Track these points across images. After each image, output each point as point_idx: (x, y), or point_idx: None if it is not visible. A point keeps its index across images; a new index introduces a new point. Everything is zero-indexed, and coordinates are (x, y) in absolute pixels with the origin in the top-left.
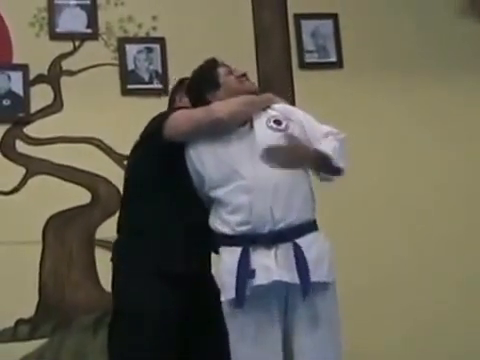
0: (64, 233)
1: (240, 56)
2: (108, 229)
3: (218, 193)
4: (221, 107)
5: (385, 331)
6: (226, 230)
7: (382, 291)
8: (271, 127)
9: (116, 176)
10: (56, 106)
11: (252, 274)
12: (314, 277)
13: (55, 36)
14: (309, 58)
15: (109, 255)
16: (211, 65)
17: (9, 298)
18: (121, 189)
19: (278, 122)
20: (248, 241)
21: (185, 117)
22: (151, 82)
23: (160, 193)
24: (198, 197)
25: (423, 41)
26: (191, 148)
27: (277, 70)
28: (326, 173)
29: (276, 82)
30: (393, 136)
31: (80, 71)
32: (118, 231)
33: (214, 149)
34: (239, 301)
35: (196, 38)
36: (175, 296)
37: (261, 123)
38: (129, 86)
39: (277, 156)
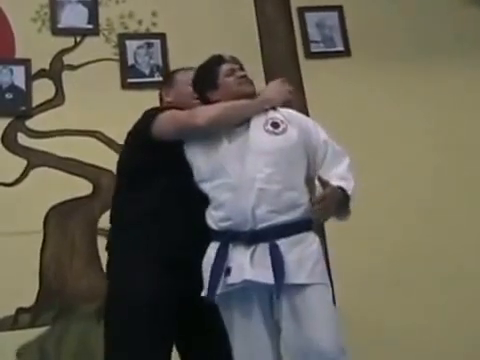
0: (66, 223)
1: (242, 50)
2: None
3: (205, 187)
4: (202, 113)
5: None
6: (211, 224)
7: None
8: (267, 130)
9: None
10: (58, 100)
11: (228, 272)
12: (293, 279)
13: (57, 31)
14: (315, 48)
15: None
16: (214, 63)
17: (10, 287)
18: None
19: (275, 125)
20: (228, 237)
21: (171, 119)
22: (152, 76)
23: (150, 184)
24: (192, 186)
25: (430, 27)
26: (188, 140)
27: (283, 62)
28: (337, 215)
29: (283, 73)
30: (401, 124)
31: (81, 66)
32: (111, 221)
33: (206, 144)
34: (210, 295)
35: (196, 33)
36: (170, 281)
37: (258, 125)
38: (129, 80)
39: (324, 206)
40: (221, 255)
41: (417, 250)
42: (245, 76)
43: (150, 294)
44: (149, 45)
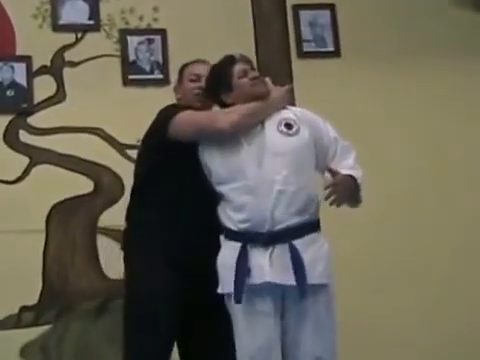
0: (67, 221)
1: (240, 46)
2: (110, 217)
3: (222, 188)
4: (225, 117)
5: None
6: (229, 225)
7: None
8: (282, 131)
9: (118, 165)
10: (59, 97)
11: (248, 272)
12: (309, 279)
13: (58, 28)
14: (307, 47)
15: (111, 243)
16: (227, 64)
17: (13, 286)
18: (123, 178)
19: (289, 126)
20: (247, 239)
21: (189, 121)
22: (152, 72)
23: (166, 184)
24: (205, 188)
25: (420, 30)
26: (203, 141)
27: (276, 59)
28: (349, 202)
29: (275, 71)
30: (391, 124)
31: (82, 62)
32: (126, 219)
33: (224, 146)
34: (237, 298)
35: (196, 29)
36: (179, 280)
37: (272, 126)
38: (130, 77)
39: (335, 191)
40: (243, 256)
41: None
42: (258, 77)
43: (160, 292)
44: (150, 41)
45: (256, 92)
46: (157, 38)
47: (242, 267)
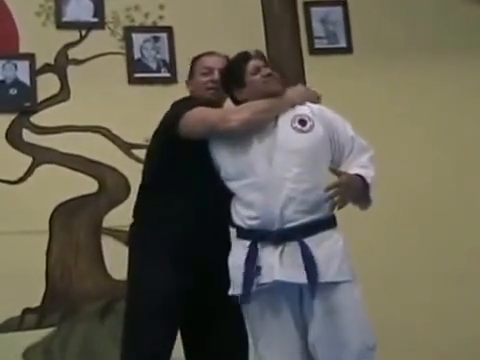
0: (71, 222)
1: (249, 43)
2: (115, 218)
3: (232, 185)
4: (236, 115)
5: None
6: (239, 222)
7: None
8: (295, 128)
9: (123, 165)
10: (63, 95)
11: (258, 271)
12: (323, 277)
13: (61, 25)
14: (319, 44)
15: (116, 243)
16: (240, 60)
17: (16, 287)
18: (129, 178)
19: (303, 122)
20: (257, 236)
21: (200, 118)
22: (158, 71)
23: (174, 181)
24: (215, 186)
25: (434, 25)
26: (214, 137)
27: (287, 56)
28: (356, 202)
29: (286, 68)
30: (406, 122)
31: (87, 60)
32: (133, 216)
33: (234, 143)
34: (245, 297)
35: (204, 26)
36: (184, 279)
37: (286, 122)
38: (136, 75)
39: (339, 192)
40: (252, 254)
41: (414, 249)
42: (271, 74)
43: (163, 291)
44: (156, 39)
45: (268, 89)
46: (163, 36)
47: (250, 266)
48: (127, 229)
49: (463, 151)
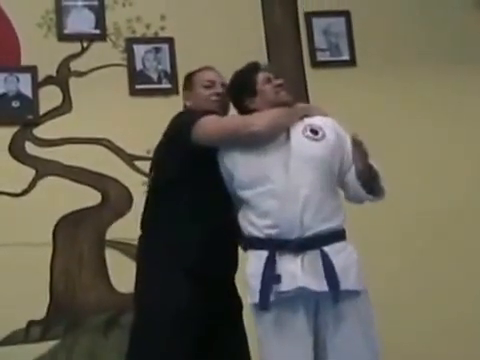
0: (74, 234)
1: (251, 55)
2: (118, 230)
3: (246, 194)
4: (259, 120)
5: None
6: (255, 233)
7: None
8: (307, 136)
9: (126, 176)
10: (65, 107)
11: (277, 279)
12: (342, 285)
13: (63, 37)
14: (321, 56)
15: (120, 255)
16: (251, 70)
17: (20, 300)
18: (131, 189)
19: (314, 131)
20: (275, 246)
21: (218, 126)
22: (160, 82)
23: (184, 193)
24: (224, 197)
25: (438, 38)
26: (224, 147)
27: (289, 69)
28: (370, 191)
29: (288, 81)
30: (408, 136)
31: (88, 72)
32: (141, 227)
33: (248, 153)
34: (263, 305)
35: (205, 38)
36: (195, 294)
37: (298, 131)
38: (137, 86)
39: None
40: (271, 263)
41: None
42: (282, 84)
43: (173, 306)
44: (157, 50)
45: (280, 99)
46: (164, 47)
47: (269, 274)
48: (131, 241)
49: (471, 162)
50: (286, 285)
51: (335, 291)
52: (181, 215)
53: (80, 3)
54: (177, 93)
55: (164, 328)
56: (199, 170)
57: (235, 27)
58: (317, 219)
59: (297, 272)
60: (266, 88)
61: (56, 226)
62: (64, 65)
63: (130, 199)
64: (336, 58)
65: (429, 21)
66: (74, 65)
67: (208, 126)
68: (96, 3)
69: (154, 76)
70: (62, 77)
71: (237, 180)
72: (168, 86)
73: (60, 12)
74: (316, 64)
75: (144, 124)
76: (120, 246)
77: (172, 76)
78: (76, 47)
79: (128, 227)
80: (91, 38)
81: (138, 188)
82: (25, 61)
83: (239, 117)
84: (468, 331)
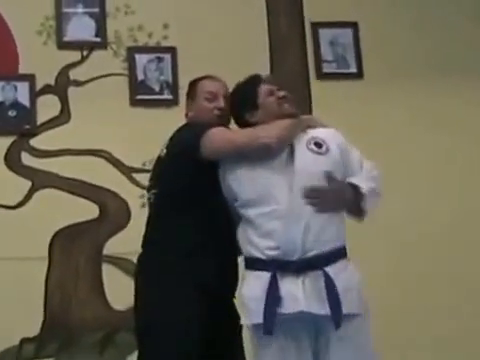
0: (71, 249)
1: (255, 66)
2: (116, 244)
3: (249, 212)
4: (267, 132)
5: None
6: (255, 253)
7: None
8: (311, 150)
9: (125, 190)
10: (63, 117)
11: (279, 302)
12: (343, 309)
13: (63, 45)
14: (327, 68)
15: (117, 271)
16: (253, 83)
17: (14, 316)
18: (130, 203)
19: (318, 145)
20: (276, 267)
21: (226, 139)
22: (161, 93)
23: (192, 209)
24: (228, 214)
25: (447, 50)
26: (227, 162)
27: (293, 81)
28: (349, 213)
29: (292, 93)
30: (419, 152)
31: (88, 81)
32: (143, 246)
33: (253, 167)
34: (267, 329)
35: (208, 47)
36: (200, 312)
37: (301, 145)
38: (138, 97)
39: (319, 197)
40: (274, 285)
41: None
42: (286, 96)
43: (183, 324)
44: (159, 59)
45: (285, 111)
46: (167, 56)
47: (272, 296)
48: (129, 256)
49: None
50: (287, 308)
51: (337, 316)
52: (187, 232)
53: (81, 10)
54: (179, 104)
55: (169, 346)
56: (207, 185)
57: (239, 36)
58: (320, 240)
59: (298, 295)
60: (269, 101)
61: (52, 240)
62: (63, 74)
63: (128, 213)
64: (343, 70)
65: (440, 33)
66: (73, 74)
67: (216, 138)
68: (97, 10)
69: (156, 87)
70: (61, 86)
71: (240, 197)
72: (170, 97)
73: (60, 19)
74: (322, 76)
75: (144, 136)
76: (117, 261)
77: (174, 87)
78: (76, 55)
79: (126, 242)
80: (91, 46)
81: (137, 201)
82: (23, 69)
83: (247, 130)
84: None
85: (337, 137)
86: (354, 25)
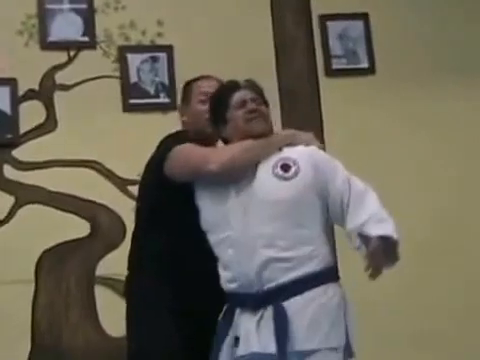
0: (60, 270)
1: (258, 65)
2: (110, 264)
3: (211, 239)
4: (218, 157)
5: None
6: (222, 284)
7: None
8: (276, 174)
9: (118, 204)
10: (49, 125)
11: (236, 342)
12: (304, 344)
13: (47, 46)
14: (337, 64)
15: (111, 294)
16: (226, 91)
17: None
18: (124, 218)
19: (286, 167)
20: (236, 301)
21: (184, 159)
22: (157, 96)
23: (164, 229)
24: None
25: (468, 42)
26: (198, 182)
27: (300, 79)
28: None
29: (299, 93)
30: (436, 154)
31: (76, 85)
32: (128, 267)
33: (214, 189)
34: None
35: (208, 45)
36: (183, 334)
37: (267, 168)
38: (132, 101)
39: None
40: (226, 322)
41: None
42: (256, 110)
43: (165, 349)
44: (154, 60)
45: (250, 130)
46: (162, 56)
47: (221, 335)
48: (123, 277)
49: None
50: (242, 349)
51: (282, 356)
52: (164, 251)
53: (66, 6)
54: (176, 108)
55: None
56: (180, 203)
57: (241, 32)
58: (279, 270)
59: (251, 334)
60: (237, 115)
61: (38, 261)
62: (48, 77)
63: (123, 229)
64: (353, 66)
65: (459, 24)
66: (59, 77)
67: (175, 159)
68: (84, 6)
69: (150, 89)
70: (45, 91)
71: (203, 221)
72: (166, 101)
73: (43, 17)
74: (331, 72)
75: (139, 144)
76: (112, 283)
77: (171, 89)
78: (62, 57)
79: (120, 261)
80: (79, 46)
81: (132, 216)
82: (4, 73)
83: (205, 150)
84: None
85: (315, 156)
86: (365, 16)
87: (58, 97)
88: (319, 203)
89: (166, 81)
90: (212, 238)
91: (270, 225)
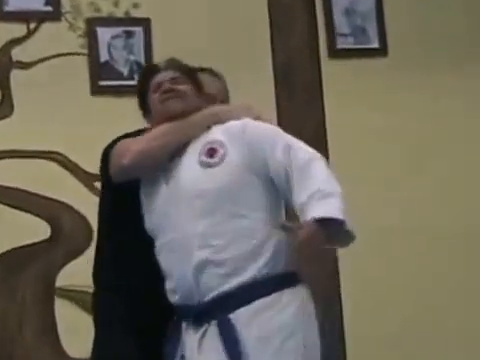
0: (14, 279)
1: (250, 43)
2: (73, 274)
3: (156, 245)
4: (129, 148)
5: None
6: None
7: None
8: (202, 162)
9: (84, 203)
10: (4, 109)
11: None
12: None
13: (2, 16)
14: (342, 43)
15: (73, 308)
16: (144, 76)
17: None
18: (90, 220)
19: (212, 152)
20: (181, 315)
21: (117, 156)
22: (131, 77)
23: (114, 236)
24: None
25: None
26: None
27: (299, 59)
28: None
29: (298, 76)
30: (449, 138)
31: (36, 62)
32: (94, 282)
33: (149, 187)
34: None
35: (190, 20)
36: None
37: (192, 155)
38: (101, 83)
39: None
40: (172, 340)
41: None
42: (171, 90)
43: None
44: (128, 34)
45: (165, 109)
46: (138, 31)
47: (171, 354)
48: (89, 289)
49: None
50: None
51: None
52: (110, 264)
53: None
54: None
55: None
56: (131, 208)
57: (230, 5)
58: (218, 276)
59: (194, 353)
60: (153, 99)
61: None
62: (3, 53)
63: (89, 232)
64: (362, 46)
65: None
66: (17, 53)
67: (112, 158)
68: None
69: (124, 69)
70: (1, 70)
71: (146, 227)
72: None
73: None
74: (336, 53)
75: (109, 133)
76: (74, 295)
77: None
78: (20, 30)
79: (85, 270)
80: (40, 17)
81: None
82: None
83: (127, 143)
84: None
85: (248, 131)
86: None
87: (15, 76)
88: (260, 183)
89: (142, 60)
90: (156, 244)
91: (200, 222)
